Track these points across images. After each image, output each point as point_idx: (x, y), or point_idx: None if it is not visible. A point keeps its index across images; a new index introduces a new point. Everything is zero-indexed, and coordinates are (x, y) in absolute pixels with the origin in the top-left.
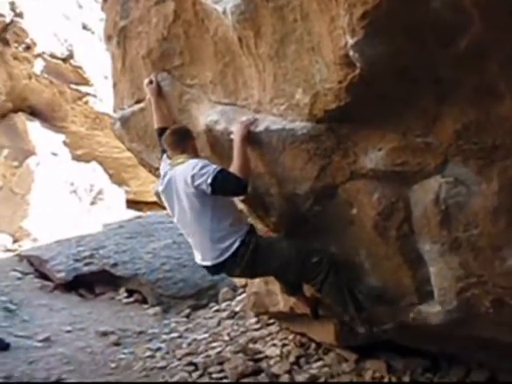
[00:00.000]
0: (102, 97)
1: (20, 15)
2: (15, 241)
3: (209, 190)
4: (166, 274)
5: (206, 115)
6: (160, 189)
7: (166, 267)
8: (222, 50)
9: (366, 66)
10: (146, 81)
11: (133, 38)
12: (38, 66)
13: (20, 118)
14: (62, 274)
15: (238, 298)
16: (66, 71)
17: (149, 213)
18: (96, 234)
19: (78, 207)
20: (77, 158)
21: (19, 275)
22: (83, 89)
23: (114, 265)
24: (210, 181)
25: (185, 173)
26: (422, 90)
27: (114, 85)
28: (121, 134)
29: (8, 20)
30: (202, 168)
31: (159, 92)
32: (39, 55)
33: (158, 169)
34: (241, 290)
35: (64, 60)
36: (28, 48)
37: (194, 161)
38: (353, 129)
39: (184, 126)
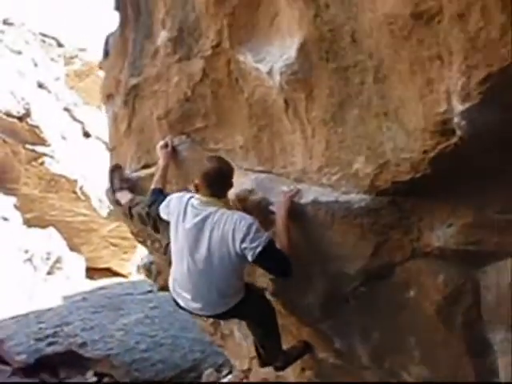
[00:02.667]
0: (59, 158)
1: None
2: None
3: (252, 258)
4: (142, 354)
5: (238, 183)
6: (187, 225)
7: (141, 346)
8: (258, 113)
9: (470, 135)
10: (161, 144)
11: (146, 97)
12: None
13: None
14: (23, 357)
15: (224, 379)
16: (21, 130)
17: (113, 283)
18: (57, 309)
19: (34, 277)
20: (26, 223)
21: None
22: (39, 149)
23: (83, 344)
24: (259, 250)
25: (235, 225)
26: None
27: (113, 148)
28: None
29: None
30: (256, 232)
31: (174, 157)
32: None
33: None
34: (226, 371)
35: (20, 119)
36: None
37: (247, 218)
38: (418, 202)
39: (230, 166)
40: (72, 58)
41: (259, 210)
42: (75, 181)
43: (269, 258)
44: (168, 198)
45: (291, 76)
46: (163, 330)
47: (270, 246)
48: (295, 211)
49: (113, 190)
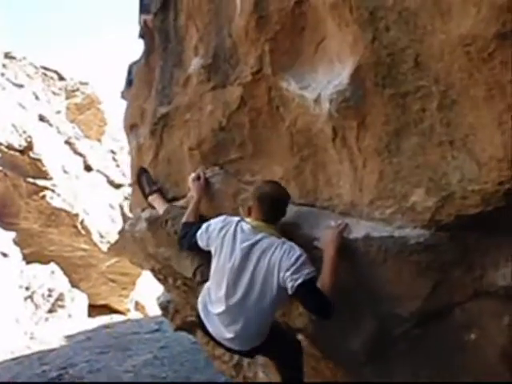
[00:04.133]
0: (60, 192)
1: None
2: None
3: (291, 290)
4: None
5: None
6: (234, 251)
7: None
8: (300, 142)
9: None
10: (193, 176)
11: (176, 126)
12: None
13: None
14: None
15: None
16: (23, 163)
17: (117, 321)
18: (61, 349)
19: (35, 315)
20: (24, 258)
21: None
22: (40, 182)
23: None
24: (299, 282)
25: (283, 255)
26: None
27: (137, 180)
28: (142, 238)
29: None
30: (302, 264)
31: (206, 189)
32: None
33: (186, 278)
34: None
35: (22, 152)
36: None
37: (296, 249)
38: (481, 237)
39: (287, 193)
40: (73, 91)
41: (302, 246)
42: (76, 215)
43: (308, 293)
44: (205, 224)
45: (342, 103)
46: (173, 372)
47: (312, 281)
48: (344, 247)
49: (145, 196)
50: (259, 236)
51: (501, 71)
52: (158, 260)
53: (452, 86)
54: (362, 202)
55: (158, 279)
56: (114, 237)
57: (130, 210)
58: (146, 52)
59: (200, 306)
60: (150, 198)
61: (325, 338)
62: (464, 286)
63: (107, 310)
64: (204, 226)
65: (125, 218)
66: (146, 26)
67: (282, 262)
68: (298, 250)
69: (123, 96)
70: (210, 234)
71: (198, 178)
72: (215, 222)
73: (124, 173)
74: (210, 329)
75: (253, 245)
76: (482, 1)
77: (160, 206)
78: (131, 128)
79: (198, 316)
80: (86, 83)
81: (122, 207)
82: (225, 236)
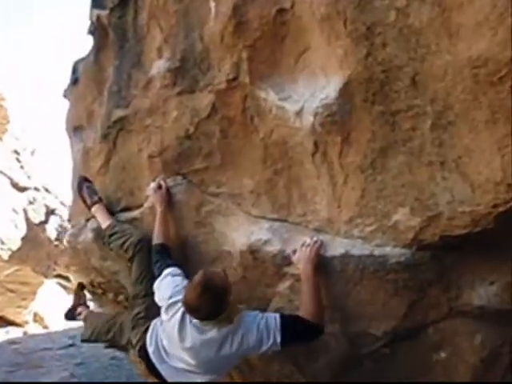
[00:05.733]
0: None
1: None
2: None
3: (279, 346)
4: None
5: (247, 232)
6: (195, 337)
7: None
8: (275, 155)
9: None
10: (153, 185)
11: (134, 131)
12: None
13: None
14: None
15: None
16: None
17: (24, 336)
18: None
19: None
20: None
21: None
22: None
23: None
24: (279, 340)
25: (243, 338)
26: None
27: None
28: (86, 249)
29: None
30: (265, 329)
31: (168, 200)
32: None
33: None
34: None
35: None
36: None
37: (252, 324)
38: (460, 257)
39: (221, 281)
40: None
41: (273, 263)
42: None
43: (292, 337)
44: (160, 280)
45: (328, 117)
46: None
47: (286, 324)
48: (320, 265)
49: (87, 207)
50: (211, 333)
51: (508, 96)
52: (103, 274)
53: (450, 107)
54: (339, 219)
55: (93, 293)
56: (16, 244)
57: (70, 219)
58: (96, 49)
59: (151, 350)
60: (93, 210)
61: (288, 358)
62: (439, 306)
63: (3, 321)
64: (157, 282)
65: (29, 223)
66: (99, 21)
67: (247, 344)
68: (253, 326)
69: (66, 95)
70: (160, 300)
71: (159, 187)
72: (166, 290)
73: (29, 175)
74: (163, 373)
75: (206, 339)
76: (499, 24)
77: (103, 220)
78: (75, 130)
79: (145, 355)
80: None
81: (26, 212)
82: (173, 317)
